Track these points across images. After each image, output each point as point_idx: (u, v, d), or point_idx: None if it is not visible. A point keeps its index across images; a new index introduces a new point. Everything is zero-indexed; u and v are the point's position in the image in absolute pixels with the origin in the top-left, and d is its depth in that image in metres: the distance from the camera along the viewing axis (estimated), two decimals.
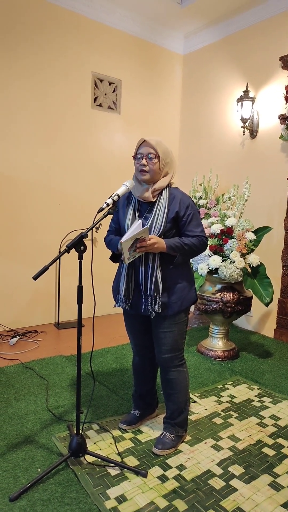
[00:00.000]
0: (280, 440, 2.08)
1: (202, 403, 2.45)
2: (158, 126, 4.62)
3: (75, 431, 1.91)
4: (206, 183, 3.97)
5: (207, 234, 3.12)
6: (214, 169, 4.16)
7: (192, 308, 4.25)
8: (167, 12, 4.07)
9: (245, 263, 3.05)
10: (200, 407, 2.40)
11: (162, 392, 2.44)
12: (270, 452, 1.97)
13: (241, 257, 3.00)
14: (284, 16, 3.62)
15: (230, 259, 3.01)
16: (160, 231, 1.81)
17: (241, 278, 3.06)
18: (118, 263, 2.03)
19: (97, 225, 1.74)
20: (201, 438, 2.07)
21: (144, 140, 1.83)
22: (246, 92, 3.82)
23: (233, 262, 2.99)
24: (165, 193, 1.87)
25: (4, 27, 3.44)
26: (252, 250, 3.11)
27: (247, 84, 3.87)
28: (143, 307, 1.86)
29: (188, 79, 4.71)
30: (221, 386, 2.71)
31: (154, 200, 1.85)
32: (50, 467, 1.72)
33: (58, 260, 3.89)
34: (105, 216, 1.76)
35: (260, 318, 3.95)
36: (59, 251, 3.90)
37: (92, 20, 3.94)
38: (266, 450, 1.99)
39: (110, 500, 1.60)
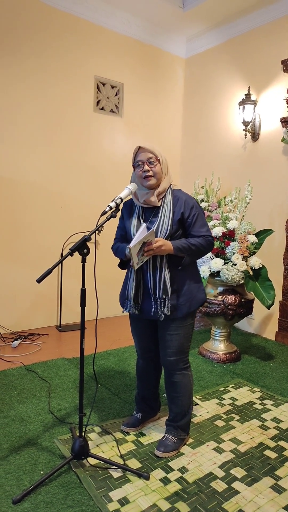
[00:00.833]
0: (282, 443, 2.08)
1: (204, 405, 2.46)
2: (160, 130, 4.64)
3: (77, 434, 1.91)
4: (208, 185, 3.97)
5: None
6: (216, 172, 4.17)
7: None
8: (169, 15, 4.09)
9: (247, 265, 3.06)
10: (202, 410, 2.40)
11: (164, 395, 2.45)
12: (272, 455, 1.97)
13: (242, 260, 3.01)
14: (286, 19, 3.64)
15: (232, 261, 3.01)
16: (167, 234, 1.82)
17: (243, 281, 3.07)
18: (125, 270, 2.04)
19: (99, 228, 1.75)
20: (203, 441, 2.07)
21: (140, 147, 1.84)
22: (248, 95, 3.84)
23: (235, 264, 3.00)
24: (169, 196, 1.88)
25: (7, 30, 3.46)
26: (254, 253, 3.12)
27: (249, 87, 3.89)
28: (152, 310, 1.87)
29: (190, 83, 4.73)
30: (223, 388, 2.71)
31: (159, 205, 1.86)
32: (53, 470, 1.73)
33: (60, 263, 3.92)
34: (108, 219, 1.78)
35: (261, 321, 3.96)
36: (61, 254, 3.91)
37: (94, 24, 3.97)
38: (268, 452, 1.99)
39: (112, 502, 1.61)
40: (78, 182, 4.05)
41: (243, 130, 3.92)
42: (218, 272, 3.05)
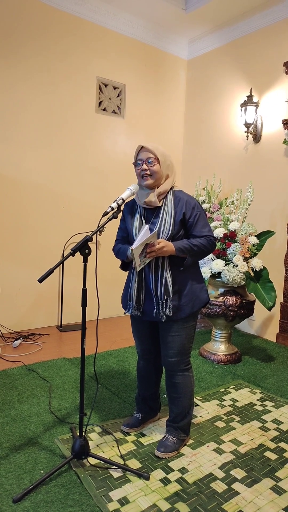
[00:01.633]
0: (282, 444, 2.08)
1: (204, 406, 2.46)
2: (162, 131, 4.65)
3: (78, 433, 1.92)
4: (210, 187, 3.98)
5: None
6: (217, 173, 4.17)
7: None
8: (172, 17, 4.11)
9: (248, 267, 3.06)
10: (202, 411, 2.40)
11: (165, 395, 2.45)
12: (272, 456, 1.97)
13: (244, 261, 3.01)
14: (287, 22, 3.64)
15: (233, 263, 3.02)
16: (169, 235, 1.82)
17: (244, 282, 3.07)
18: (127, 272, 2.04)
19: (101, 229, 1.76)
20: (203, 442, 2.07)
21: (142, 147, 1.85)
22: (249, 97, 3.84)
23: (236, 266, 3.00)
24: (170, 197, 1.88)
25: (10, 31, 3.48)
26: (255, 254, 3.12)
27: (251, 89, 3.89)
28: (154, 311, 1.87)
29: (192, 84, 4.74)
30: (223, 389, 2.71)
31: (160, 205, 1.87)
32: (53, 469, 1.73)
33: (62, 263, 3.93)
34: (110, 220, 1.79)
35: (262, 322, 3.96)
36: (63, 254, 3.92)
37: (97, 25, 3.99)
38: (268, 454, 1.99)
39: (112, 502, 1.61)
40: (79, 182, 4.06)
41: (245, 131, 3.93)
42: (219, 273, 3.05)
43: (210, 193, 3.86)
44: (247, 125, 3.87)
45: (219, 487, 1.73)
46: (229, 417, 2.35)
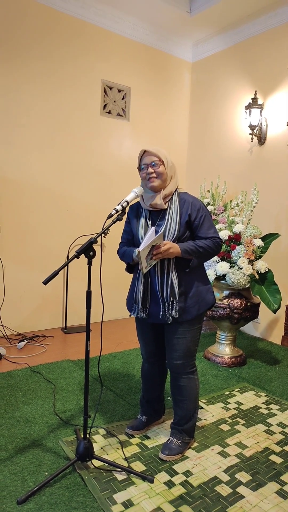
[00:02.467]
0: None
1: (209, 409, 2.45)
2: (167, 133, 4.66)
3: (82, 436, 1.92)
4: (214, 189, 3.98)
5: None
6: (222, 175, 4.17)
7: None
8: (176, 20, 4.12)
9: (253, 269, 3.05)
10: (207, 414, 2.39)
11: (169, 398, 2.45)
12: (278, 460, 1.96)
13: (248, 264, 3.00)
14: None
15: (237, 265, 3.01)
16: (175, 236, 1.82)
17: (248, 285, 3.06)
18: (132, 274, 2.04)
19: (105, 231, 1.76)
20: (208, 445, 2.06)
21: (145, 151, 1.85)
22: (254, 99, 3.84)
23: (241, 268, 2.99)
24: (175, 199, 1.89)
25: (15, 35, 3.51)
26: (260, 257, 3.11)
27: (256, 91, 3.89)
28: (160, 313, 1.87)
29: (196, 87, 4.75)
30: (228, 392, 2.70)
31: (165, 208, 1.87)
32: (57, 471, 1.73)
33: (66, 265, 3.94)
34: (114, 222, 1.79)
35: (267, 325, 3.94)
36: (67, 256, 3.93)
37: (101, 28, 4.01)
38: (273, 457, 1.98)
39: (116, 504, 1.61)
40: (84, 185, 4.08)
41: (250, 134, 3.92)
42: (224, 275, 3.04)
43: (214, 195, 3.85)
44: (251, 127, 3.87)
45: (224, 490, 1.72)
46: (234, 420, 2.34)
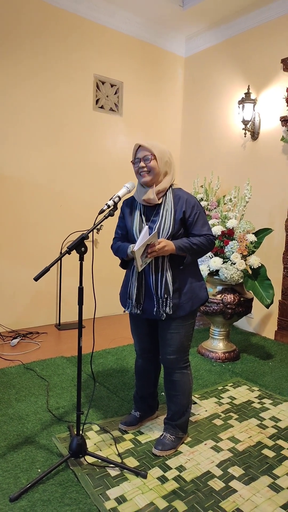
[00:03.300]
0: (280, 442, 2.08)
1: (202, 404, 2.45)
2: (160, 128, 4.63)
3: (75, 432, 1.91)
4: (208, 184, 3.97)
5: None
6: (215, 170, 4.16)
7: None
8: (169, 14, 4.09)
9: (246, 264, 3.06)
10: (200, 409, 2.40)
11: (163, 393, 2.45)
12: (270, 454, 1.97)
13: (242, 259, 3.01)
14: (286, 18, 3.63)
15: (231, 260, 3.01)
16: (169, 233, 1.82)
17: (241, 280, 3.06)
18: (126, 269, 2.03)
19: (98, 227, 1.75)
20: (201, 440, 2.07)
21: (140, 145, 1.84)
22: (247, 94, 3.83)
23: (234, 263, 2.99)
24: (169, 195, 1.88)
25: (6, 29, 3.46)
26: (253, 252, 3.11)
27: (249, 86, 3.88)
28: (154, 310, 1.87)
29: (189, 81, 4.72)
30: (222, 387, 2.71)
31: (159, 202, 1.86)
32: (50, 468, 1.73)
33: (59, 261, 3.92)
34: (106, 217, 1.78)
35: (261, 320, 3.95)
36: (61, 252, 3.91)
37: (94, 22, 3.97)
38: (266, 451, 1.99)
39: (110, 500, 1.61)
40: (78, 180, 4.05)
41: (243, 129, 3.92)
42: (217, 271, 3.05)
43: (208, 191, 3.85)
44: (245, 122, 3.86)
45: (217, 485, 1.73)
46: (227, 414, 2.35)
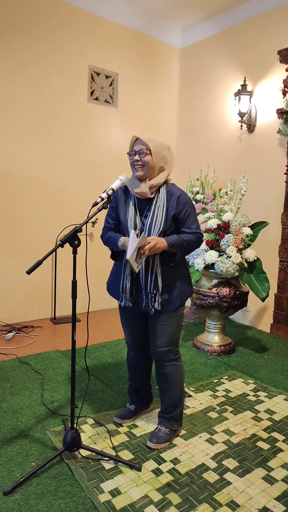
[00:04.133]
0: (275, 434, 2.08)
1: (198, 397, 2.46)
2: (155, 120, 4.59)
3: (69, 426, 1.90)
4: (203, 178, 3.95)
5: (203, 229, 3.12)
6: (211, 163, 4.14)
7: (189, 303, 4.25)
8: (164, 5, 4.03)
9: (242, 258, 3.05)
10: (195, 402, 2.40)
11: (157, 387, 2.45)
12: (265, 446, 1.98)
13: (237, 252, 3.00)
14: (282, 9, 3.59)
15: (226, 254, 3.00)
16: (160, 230, 1.82)
17: (237, 273, 3.06)
18: (116, 261, 2.02)
19: (93, 220, 1.73)
20: (196, 432, 2.07)
21: (137, 138, 1.83)
22: (243, 86, 3.79)
23: (230, 257, 2.98)
24: (163, 191, 1.87)
25: (0, 20, 3.40)
26: (249, 245, 3.11)
27: (245, 78, 3.84)
28: (143, 304, 1.87)
29: (185, 73, 4.68)
30: (217, 380, 2.71)
31: (152, 197, 1.86)
32: (45, 461, 1.72)
33: (54, 255, 3.89)
34: (100, 210, 1.76)
35: (256, 313, 3.96)
36: (55, 246, 3.88)
37: (89, 12, 3.90)
38: (260, 444, 2.00)
39: (104, 493, 1.60)
40: (72, 173, 4.01)
41: (239, 121, 3.88)
42: (213, 264, 3.04)
43: (204, 184, 3.83)
44: (241, 114, 3.83)
45: (211, 477, 1.73)
46: (222, 407, 2.35)
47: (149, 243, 1.73)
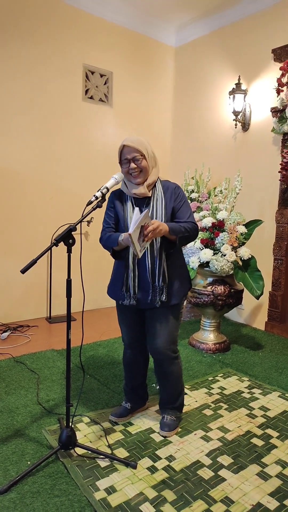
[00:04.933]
0: (269, 431, 2.10)
1: (193, 395, 2.47)
2: (150, 119, 4.59)
3: (65, 424, 1.91)
4: (198, 176, 3.96)
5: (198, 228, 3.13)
6: (206, 162, 4.15)
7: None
8: (159, 3, 4.02)
9: (236, 256, 3.06)
10: (191, 399, 2.41)
11: (154, 384, 2.46)
12: (259, 443, 1.99)
13: (232, 250, 3.01)
14: (276, 8, 3.60)
15: (221, 252, 3.01)
16: (162, 221, 1.85)
17: (232, 271, 3.07)
18: (117, 259, 2.01)
19: (87, 219, 1.73)
20: (191, 430, 2.09)
21: (125, 145, 1.83)
22: (238, 84, 3.80)
23: (224, 255, 2.99)
24: (158, 186, 1.93)
25: None
26: (243, 243, 3.12)
27: (239, 76, 3.85)
28: (149, 299, 1.88)
29: (180, 72, 4.68)
30: (212, 378, 2.73)
31: (150, 195, 1.90)
32: (40, 460, 1.73)
33: (49, 254, 3.89)
34: (94, 209, 1.76)
35: (251, 311, 3.98)
36: (50, 245, 3.88)
37: (83, 11, 3.89)
38: (254, 440, 2.01)
39: (99, 491, 1.61)
40: (67, 172, 4.00)
41: (234, 120, 3.90)
42: (208, 262, 3.05)
43: (199, 182, 3.84)
44: (235, 113, 3.84)
45: (206, 474, 1.75)
46: (217, 405, 2.37)
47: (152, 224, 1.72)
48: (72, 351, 2.91)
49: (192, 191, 3.82)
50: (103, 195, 1.78)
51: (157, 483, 1.68)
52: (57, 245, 1.66)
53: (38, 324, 3.74)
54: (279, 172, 3.53)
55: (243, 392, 2.54)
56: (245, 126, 3.92)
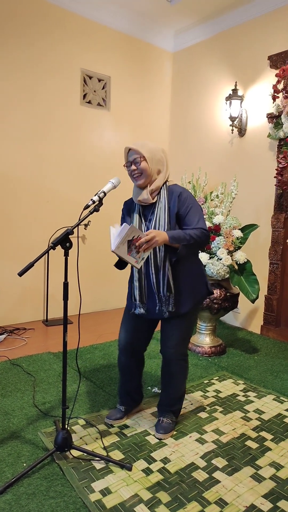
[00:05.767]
0: (263, 433, 2.12)
1: (188, 398, 2.48)
2: (148, 124, 4.63)
3: (61, 426, 1.92)
4: (195, 181, 3.99)
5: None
6: (203, 167, 4.18)
7: None
8: (157, 9, 4.07)
9: (232, 260, 3.09)
10: (186, 402, 2.43)
11: (149, 387, 2.48)
12: (253, 445, 2.01)
13: (228, 254, 3.04)
14: (272, 15, 3.65)
15: (217, 256, 3.04)
16: (165, 230, 1.82)
17: (228, 275, 3.10)
18: (120, 270, 2.02)
19: (85, 222, 1.75)
20: (186, 432, 2.10)
21: (130, 148, 1.85)
22: (234, 90, 3.85)
23: (220, 259, 3.02)
24: (163, 192, 1.87)
25: None
26: (239, 248, 3.15)
27: (236, 82, 3.90)
28: (157, 309, 1.89)
29: (177, 77, 4.72)
30: (207, 381, 2.75)
31: (154, 201, 1.88)
32: (36, 462, 1.74)
33: (46, 257, 3.90)
34: (91, 213, 1.78)
35: (247, 315, 4.00)
36: (47, 248, 3.89)
37: (81, 16, 3.93)
38: (249, 443, 2.03)
39: (94, 493, 1.62)
40: (64, 176, 4.03)
41: (230, 125, 3.94)
42: (204, 266, 3.07)
43: (195, 187, 3.86)
44: (232, 118, 3.88)
45: (200, 476, 1.76)
46: (212, 407, 2.38)
47: (147, 235, 1.69)
48: (69, 354, 2.91)
49: None
50: (100, 199, 1.81)
51: (152, 485, 1.69)
52: (54, 249, 1.68)
53: (34, 327, 3.75)
54: (274, 177, 3.57)
55: (238, 395, 2.56)
56: (242, 131, 3.96)
